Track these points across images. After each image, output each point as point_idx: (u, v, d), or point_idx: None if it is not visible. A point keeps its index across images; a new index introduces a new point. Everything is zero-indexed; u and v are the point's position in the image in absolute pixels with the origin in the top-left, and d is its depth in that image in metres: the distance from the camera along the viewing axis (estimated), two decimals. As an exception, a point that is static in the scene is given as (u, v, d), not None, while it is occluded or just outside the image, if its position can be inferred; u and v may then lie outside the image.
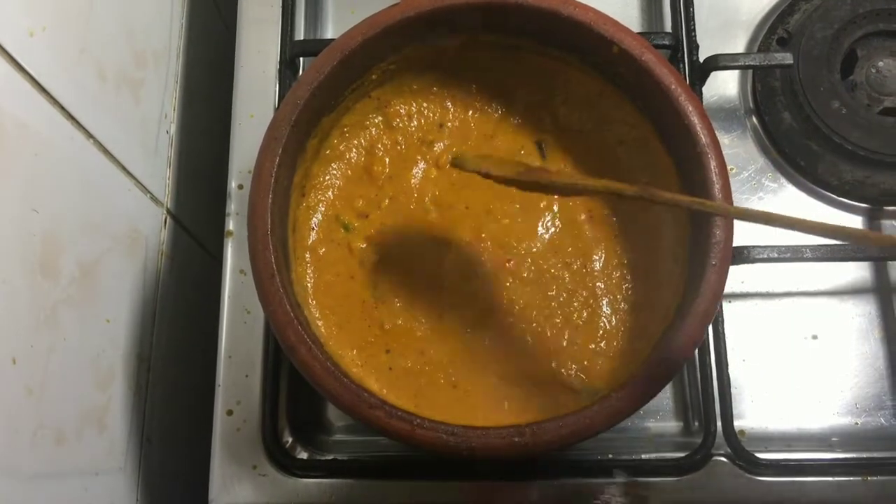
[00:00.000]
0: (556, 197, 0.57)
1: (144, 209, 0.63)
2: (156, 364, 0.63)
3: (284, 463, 0.57)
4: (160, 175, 0.65)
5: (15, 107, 0.45)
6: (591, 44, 0.53)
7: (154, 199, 0.64)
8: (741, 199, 0.63)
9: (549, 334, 0.55)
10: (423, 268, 0.57)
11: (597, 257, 0.56)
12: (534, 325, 0.55)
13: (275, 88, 0.65)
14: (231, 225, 0.62)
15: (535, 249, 0.56)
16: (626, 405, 0.47)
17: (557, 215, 0.57)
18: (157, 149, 0.65)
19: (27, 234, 0.47)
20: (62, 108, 0.50)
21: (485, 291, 0.56)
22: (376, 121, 0.59)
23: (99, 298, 0.55)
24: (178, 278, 0.67)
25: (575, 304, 0.55)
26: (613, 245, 0.56)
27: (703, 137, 0.50)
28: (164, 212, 0.66)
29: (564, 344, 0.54)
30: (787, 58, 0.61)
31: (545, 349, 0.54)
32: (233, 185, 0.63)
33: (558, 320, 0.55)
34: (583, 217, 0.57)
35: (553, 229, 0.57)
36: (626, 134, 0.57)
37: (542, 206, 0.57)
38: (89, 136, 0.54)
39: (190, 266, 0.71)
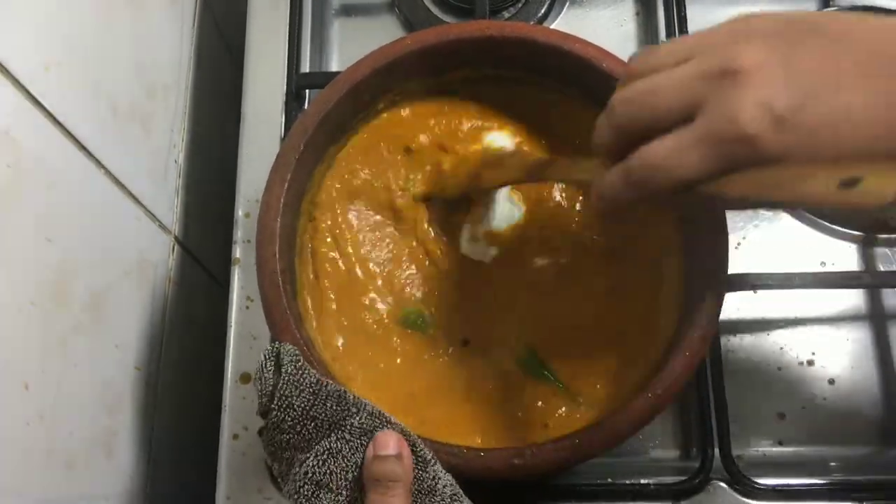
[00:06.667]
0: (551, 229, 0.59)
1: (153, 237, 0.64)
2: (163, 389, 0.64)
3: (289, 487, 0.58)
4: (168, 203, 0.67)
5: (31, 139, 0.47)
6: (592, 78, 0.54)
7: (162, 227, 0.65)
8: (737, 226, 0.64)
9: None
10: (428, 291, 0.58)
11: (590, 281, 0.57)
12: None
13: (281, 119, 0.66)
14: (238, 252, 0.64)
15: (529, 276, 0.58)
16: (623, 429, 0.48)
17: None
18: (166, 178, 0.66)
19: (41, 263, 0.48)
20: (75, 140, 0.52)
21: (486, 315, 0.57)
22: (382, 150, 0.60)
23: (108, 325, 0.56)
24: (185, 305, 0.68)
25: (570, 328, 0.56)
26: (607, 272, 0.57)
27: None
28: (172, 240, 0.67)
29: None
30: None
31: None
32: (240, 213, 0.65)
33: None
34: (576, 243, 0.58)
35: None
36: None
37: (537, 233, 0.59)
38: (101, 166, 0.55)
39: (197, 293, 0.72)
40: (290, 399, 0.46)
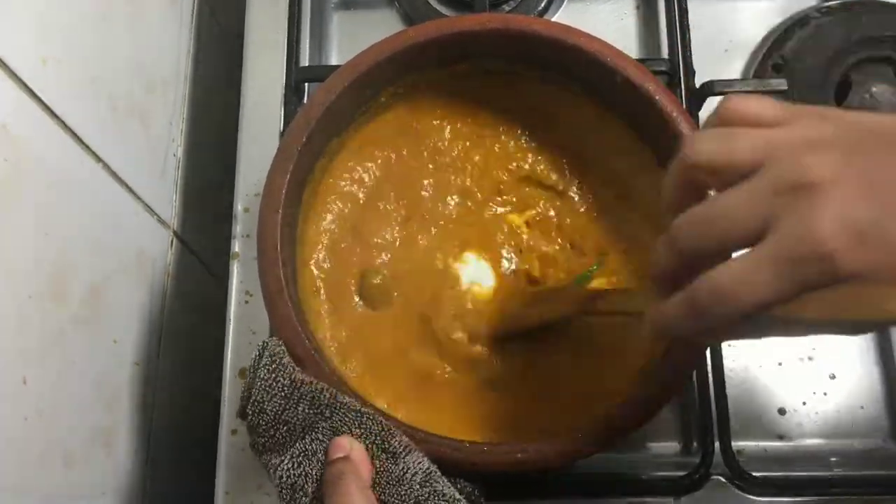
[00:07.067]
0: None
1: (152, 232, 0.64)
2: (161, 384, 0.64)
3: (289, 482, 0.58)
4: (167, 198, 0.66)
5: (29, 134, 0.46)
6: (595, 72, 0.54)
7: (161, 221, 0.65)
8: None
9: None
10: (430, 288, 0.57)
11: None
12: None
13: (280, 113, 0.66)
14: (237, 247, 0.63)
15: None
16: (626, 424, 0.48)
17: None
18: (165, 172, 0.66)
19: (39, 257, 0.48)
20: (74, 135, 0.51)
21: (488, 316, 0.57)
22: (383, 145, 0.60)
23: (106, 320, 0.56)
24: (183, 300, 0.68)
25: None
26: (613, 259, 0.57)
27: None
28: (171, 234, 0.67)
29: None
30: (782, 84, 0.63)
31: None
32: (239, 207, 0.64)
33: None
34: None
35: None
36: (628, 161, 0.58)
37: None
38: (99, 160, 0.55)
39: (195, 287, 0.72)
40: (262, 404, 0.46)
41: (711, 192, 0.38)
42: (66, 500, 0.50)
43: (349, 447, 0.45)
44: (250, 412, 0.46)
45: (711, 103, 0.65)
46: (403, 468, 0.45)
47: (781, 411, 0.61)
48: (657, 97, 0.52)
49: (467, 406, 0.54)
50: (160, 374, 0.64)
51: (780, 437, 0.60)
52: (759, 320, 0.35)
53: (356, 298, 0.57)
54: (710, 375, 0.58)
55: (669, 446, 0.60)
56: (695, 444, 0.60)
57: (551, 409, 0.54)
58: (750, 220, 0.34)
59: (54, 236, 0.49)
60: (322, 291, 0.56)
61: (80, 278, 0.52)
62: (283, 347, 0.48)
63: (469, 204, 0.60)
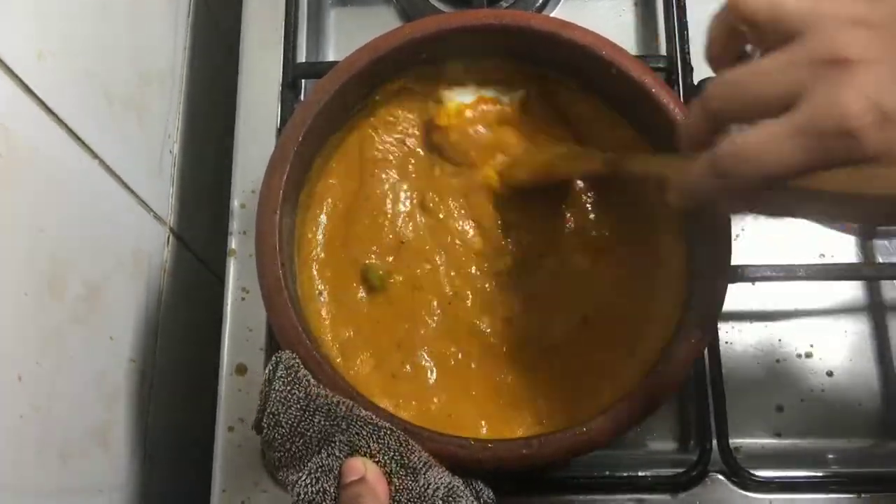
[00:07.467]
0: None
1: (148, 228, 0.63)
2: (158, 381, 0.63)
3: (286, 480, 0.58)
4: (164, 194, 0.66)
5: (24, 129, 0.46)
6: (591, 67, 0.54)
7: (157, 217, 0.65)
8: (736, 220, 0.64)
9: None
10: (428, 281, 0.57)
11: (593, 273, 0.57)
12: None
13: (277, 110, 0.66)
14: (233, 244, 0.63)
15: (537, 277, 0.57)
16: (629, 418, 0.48)
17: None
18: (161, 168, 0.66)
19: (35, 254, 0.47)
20: (69, 130, 0.51)
21: (490, 306, 0.57)
22: (381, 141, 0.60)
23: (103, 317, 0.56)
24: (180, 296, 0.68)
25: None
26: (610, 263, 0.57)
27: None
28: (168, 231, 0.66)
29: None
30: (780, 80, 0.62)
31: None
32: (235, 203, 0.64)
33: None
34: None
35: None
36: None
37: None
38: (95, 156, 0.55)
39: (192, 284, 0.71)
40: (277, 416, 0.46)
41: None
42: (63, 498, 0.50)
43: (363, 468, 0.44)
44: (266, 425, 0.46)
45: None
46: (424, 484, 0.44)
47: (779, 408, 0.61)
48: (653, 90, 0.52)
49: (475, 398, 0.54)
50: (157, 371, 0.63)
51: (778, 435, 0.60)
52: (778, 192, 0.36)
53: (359, 296, 0.56)
54: (707, 372, 0.57)
55: (667, 443, 0.60)
56: (692, 441, 0.60)
57: (561, 402, 0.54)
58: (782, 87, 0.35)
59: (50, 233, 0.49)
60: (323, 291, 0.56)
61: (76, 275, 0.52)
62: (297, 360, 0.47)
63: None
